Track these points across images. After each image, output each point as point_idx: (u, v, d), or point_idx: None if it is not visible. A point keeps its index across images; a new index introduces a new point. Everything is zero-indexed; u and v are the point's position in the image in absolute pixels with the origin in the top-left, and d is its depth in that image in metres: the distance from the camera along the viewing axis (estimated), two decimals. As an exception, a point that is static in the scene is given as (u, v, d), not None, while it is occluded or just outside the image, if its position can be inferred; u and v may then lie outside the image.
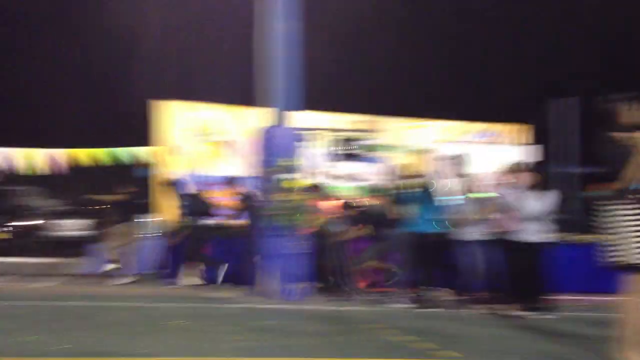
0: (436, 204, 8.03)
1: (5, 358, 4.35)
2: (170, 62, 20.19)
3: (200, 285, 9.58)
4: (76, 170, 9.45)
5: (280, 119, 8.73)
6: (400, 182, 8.49)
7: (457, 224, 7.93)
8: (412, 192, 8.10)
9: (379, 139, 13.53)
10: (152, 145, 11.61)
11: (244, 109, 12.67)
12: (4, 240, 11.47)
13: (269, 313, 7.16)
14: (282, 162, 8.33)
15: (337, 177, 11.52)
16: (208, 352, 4.82)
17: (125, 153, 9.55)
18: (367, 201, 11.63)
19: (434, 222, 7.95)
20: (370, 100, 14.27)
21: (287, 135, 8.62)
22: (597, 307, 7.98)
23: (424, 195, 8.07)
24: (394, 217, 9.64)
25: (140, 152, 9.85)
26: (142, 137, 12.10)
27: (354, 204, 11.36)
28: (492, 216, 7.74)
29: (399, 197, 8.35)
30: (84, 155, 9.35)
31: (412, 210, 7.99)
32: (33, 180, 10.48)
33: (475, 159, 13.52)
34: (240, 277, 9.70)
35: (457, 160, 8.45)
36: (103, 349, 4.73)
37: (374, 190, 11.94)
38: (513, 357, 5.09)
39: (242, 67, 10.86)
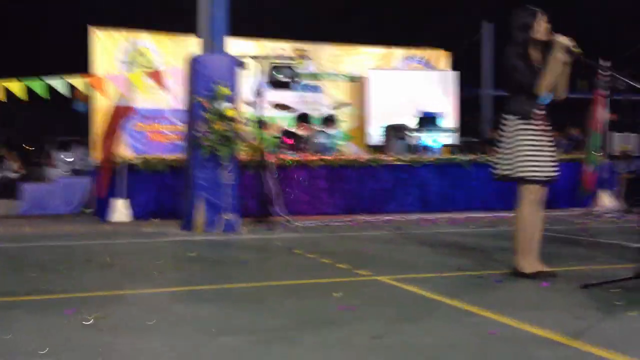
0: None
1: None
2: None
3: (130, 221, 9.60)
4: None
5: (212, 46, 8.58)
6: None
7: None
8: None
9: (309, 67, 13.48)
10: (90, 74, 10.80)
11: (183, 36, 12.28)
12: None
13: (197, 244, 7.27)
14: (215, 90, 8.28)
15: (270, 106, 11.52)
16: (136, 286, 4.89)
17: (61, 84, 8.75)
18: (298, 130, 11.80)
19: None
20: (298, 26, 13.97)
21: (220, 62, 8.46)
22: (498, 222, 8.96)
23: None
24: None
25: (78, 83, 8.99)
26: (77, 65, 11.30)
27: (290, 133, 11.51)
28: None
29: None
30: (16, 87, 8.55)
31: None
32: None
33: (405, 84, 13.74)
34: (176, 211, 9.84)
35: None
36: (23, 288, 4.68)
37: (303, 119, 12.07)
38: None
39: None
